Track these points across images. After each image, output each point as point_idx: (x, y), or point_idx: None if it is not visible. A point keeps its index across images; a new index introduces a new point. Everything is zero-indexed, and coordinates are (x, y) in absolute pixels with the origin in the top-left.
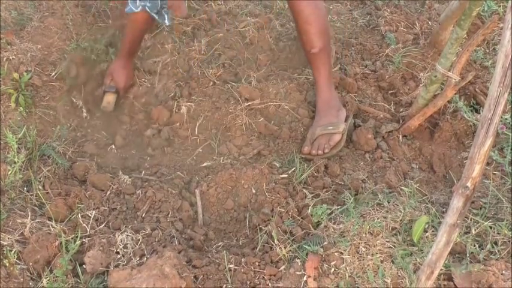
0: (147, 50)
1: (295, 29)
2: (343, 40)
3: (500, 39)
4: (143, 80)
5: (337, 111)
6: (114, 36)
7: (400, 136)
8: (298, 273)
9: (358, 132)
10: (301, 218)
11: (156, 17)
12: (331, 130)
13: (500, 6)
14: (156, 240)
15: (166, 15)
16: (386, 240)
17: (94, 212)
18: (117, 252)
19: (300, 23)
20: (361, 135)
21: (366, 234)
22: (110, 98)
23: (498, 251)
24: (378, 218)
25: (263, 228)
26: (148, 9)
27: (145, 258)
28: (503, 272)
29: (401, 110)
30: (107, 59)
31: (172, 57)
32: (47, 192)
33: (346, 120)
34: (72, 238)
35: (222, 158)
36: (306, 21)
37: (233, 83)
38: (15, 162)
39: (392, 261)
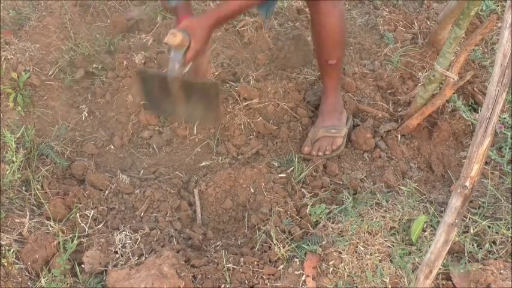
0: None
1: (312, 39)
2: None
3: (498, 39)
4: None
5: (339, 114)
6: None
7: (399, 135)
8: (296, 272)
9: (356, 132)
10: (300, 217)
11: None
12: (334, 133)
13: (498, 5)
14: (155, 239)
15: (267, 10)
16: (385, 239)
17: (92, 211)
18: (116, 252)
19: (322, 36)
20: (359, 134)
21: (364, 233)
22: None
23: (496, 250)
24: (376, 218)
25: (262, 227)
26: None
27: (143, 258)
28: (502, 271)
29: (399, 109)
30: None
31: None
32: (46, 192)
33: (346, 123)
34: (70, 238)
35: (220, 157)
36: (328, 35)
37: (232, 83)
38: (13, 162)
39: (390, 261)
